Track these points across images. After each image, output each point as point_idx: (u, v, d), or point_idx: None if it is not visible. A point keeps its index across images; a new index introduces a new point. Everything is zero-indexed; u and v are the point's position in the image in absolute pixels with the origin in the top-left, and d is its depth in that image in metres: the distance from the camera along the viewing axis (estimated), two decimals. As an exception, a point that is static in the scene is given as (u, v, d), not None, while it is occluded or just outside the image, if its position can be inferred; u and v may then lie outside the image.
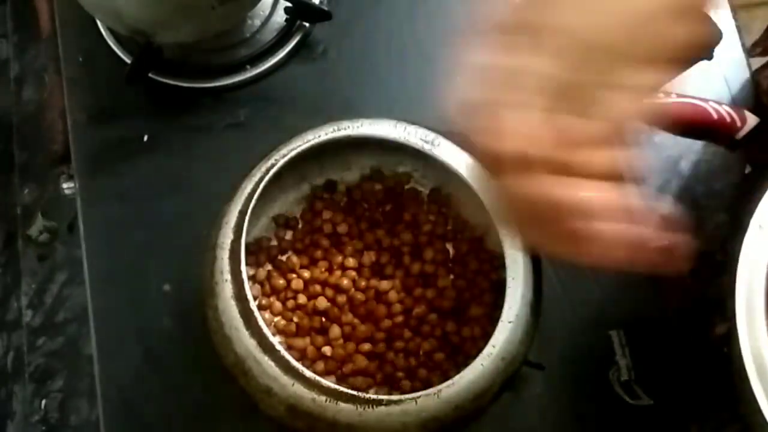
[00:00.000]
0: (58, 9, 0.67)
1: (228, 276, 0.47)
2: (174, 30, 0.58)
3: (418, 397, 0.44)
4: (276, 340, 0.45)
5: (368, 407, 0.44)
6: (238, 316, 0.46)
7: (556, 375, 0.55)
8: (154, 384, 0.55)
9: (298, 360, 0.45)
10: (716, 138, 0.68)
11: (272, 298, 0.52)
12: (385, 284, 0.52)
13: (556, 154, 0.30)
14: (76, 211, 0.60)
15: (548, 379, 0.55)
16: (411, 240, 0.54)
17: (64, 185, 0.75)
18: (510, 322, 0.46)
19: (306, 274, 0.53)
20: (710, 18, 0.42)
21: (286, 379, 0.44)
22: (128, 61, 0.62)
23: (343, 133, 0.51)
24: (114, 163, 0.61)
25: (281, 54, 0.64)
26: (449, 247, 0.54)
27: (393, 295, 0.52)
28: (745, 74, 0.70)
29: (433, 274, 0.53)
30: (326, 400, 0.44)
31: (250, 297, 0.45)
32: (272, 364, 0.44)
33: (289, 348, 0.50)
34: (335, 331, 0.51)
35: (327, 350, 0.50)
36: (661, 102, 0.67)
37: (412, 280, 0.53)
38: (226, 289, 0.46)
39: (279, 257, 0.53)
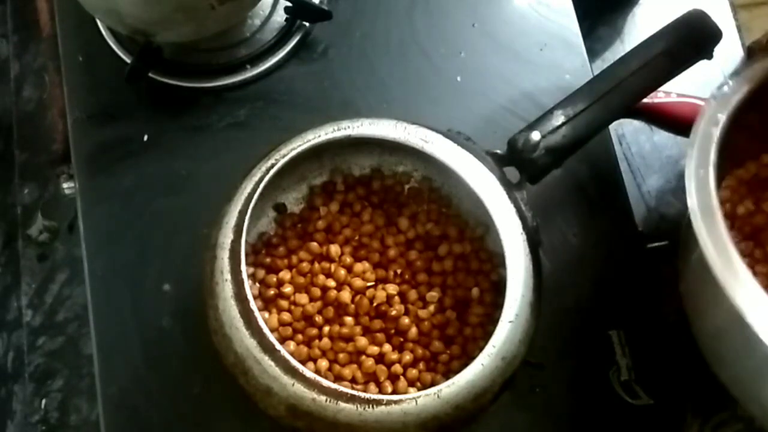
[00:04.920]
0: (58, 9, 0.67)
1: (228, 276, 0.47)
2: (174, 29, 0.58)
3: (418, 397, 0.44)
4: (276, 340, 0.45)
5: (368, 407, 0.44)
6: (238, 316, 0.46)
7: (556, 375, 0.55)
8: (154, 384, 0.55)
9: (298, 360, 0.45)
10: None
11: (272, 298, 0.52)
12: (385, 284, 0.52)
13: None
14: (76, 211, 0.60)
15: (548, 379, 0.55)
16: (411, 240, 0.54)
17: (64, 185, 0.75)
18: (510, 322, 0.46)
19: (306, 273, 0.53)
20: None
21: (286, 379, 0.44)
22: (128, 61, 0.63)
23: (343, 133, 0.51)
24: (114, 163, 0.61)
25: (281, 54, 0.64)
26: (449, 246, 0.54)
27: (393, 295, 0.52)
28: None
29: (433, 274, 0.53)
30: (326, 400, 0.44)
31: (250, 297, 0.45)
32: (272, 364, 0.44)
33: (289, 348, 0.50)
34: (335, 330, 0.51)
35: (327, 350, 0.50)
36: (661, 102, 0.67)
37: (412, 280, 0.53)
38: (226, 289, 0.46)
39: (279, 257, 0.53)
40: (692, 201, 0.44)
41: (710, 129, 0.46)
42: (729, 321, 0.42)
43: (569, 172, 0.60)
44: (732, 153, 0.48)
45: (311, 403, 0.44)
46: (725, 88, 0.48)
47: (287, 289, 0.52)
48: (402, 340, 0.51)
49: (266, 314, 0.51)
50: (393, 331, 0.51)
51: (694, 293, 0.48)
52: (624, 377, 0.54)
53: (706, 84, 0.69)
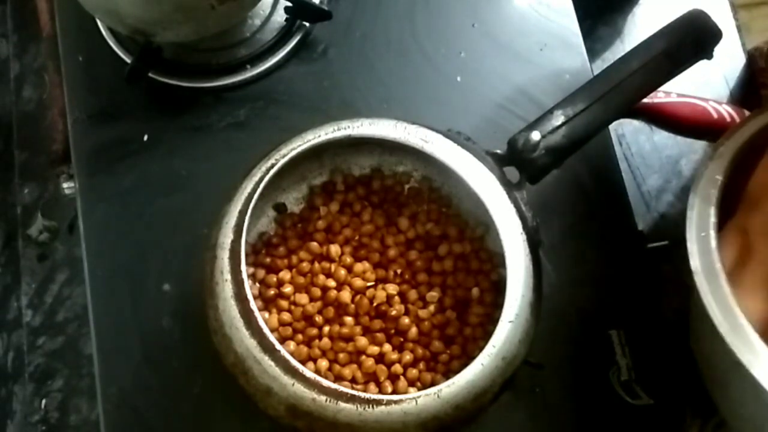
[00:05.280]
0: (58, 9, 0.67)
1: (228, 276, 0.47)
2: (174, 29, 0.58)
3: (418, 397, 0.44)
4: (276, 340, 0.45)
5: (368, 407, 0.44)
6: (238, 316, 0.46)
7: (556, 375, 0.55)
8: (154, 384, 0.56)
9: (298, 360, 0.45)
10: (716, 138, 0.68)
11: (272, 298, 0.52)
12: (385, 284, 0.52)
13: None
14: (76, 211, 0.60)
15: (548, 379, 0.55)
16: (411, 240, 0.54)
17: (64, 185, 0.75)
18: (510, 322, 0.46)
19: (306, 273, 0.53)
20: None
21: (286, 379, 0.44)
22: (128, 61, 0.63)
23: (343, 133, 0.51)
24: (114, 163, 0.61)
25: (281, 54, 0.64)
26: (449, 246, 0.54)
27: (393, 295, 0.52)
28: (745, 74, 0.70)
29: (433, 274, 0.53)
30: (326, 400, 0.44)
31: (250, 297, 0.45)
32: (272, 363, 0.44)
33: (289, 348, 0.50)
34: (335, 330, 0.51)
35: (327, 350, 0.50)
36: (661, 102, 0.67)
37: (412, 280, 0.53)
38: (226, 289, 0.46)
39: (279, 257, 0.53)
40: (695, 263, 0.45)
41: (709, 191, 0.47)
42: (738, 379, 0.42)
43: (569, 172, 0.60)
44: (731, 197, 0.49)
45: (311, 403, 0.44)
46: (721, 148, 0.49)
47: (287, 289, 0.52)
48: (402, 340, 0.51)
49: (266, 314, 0.51)
50: (393, 331, 0.51)
51: (704, 350, 0.48)
52: (624, 377, 0.54)
53: (706, 84, 0.69)
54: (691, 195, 0.47)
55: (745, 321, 0.42)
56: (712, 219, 0.46)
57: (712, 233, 0.46)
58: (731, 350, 0.42)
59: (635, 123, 0.69)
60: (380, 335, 0.51)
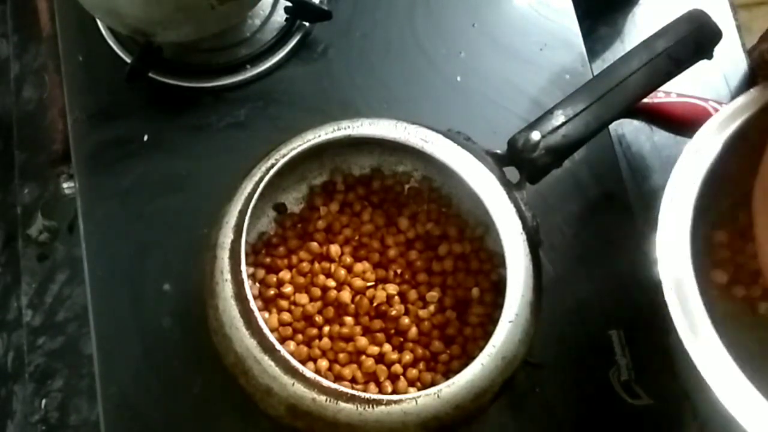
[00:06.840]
0: (58, 9, 0.67)
1: (228, 276, 0.47)
2: (174, 29, 0.58)
3: (418, 397, 0.44)
4: (276, 340, 0.45)
5: (368, 407, 0.44)
6: (238, 316, 0.46)
7: (556, 375, 0.55)
8: (154, 384, 0.55)
9: (298, 360, 0.45)
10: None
11: (272, 298, 0.52)
12: (385, 284, 0.52)
13: None
14: (76, 211, 0.60)
15: (548, 379, 0.55)
16: (411, 240, 0.54)
17: (64, 185, 0.75)
18: (510, 322, 0.46)
19: (306, 273, 0.53)
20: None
21: (286, 379, 0.44)
22: (128, 61, 0.63)
23: (343, 133, 0.51)
24: (114, 163, 0.61)
25: (281, 54, 0.64)
26: (449, 246, 0.54)
27: (393, 295, 0.52)
28: (745, 74, 0.70)
29: (433, 274, 0.53)
30: (326, 400, 0.44)
31: (250, 297, 0.45)
32: (272, 363, 0.44)
33: (289, 348, 0.50)
34: (335, 330, 0.51)
35: (327, 350, 0.50)
36: (661, 102, 0.67)
37: (412, 280, 0.53)
38: (226, 289, 0.46)
39: (279, 257, 0.53)
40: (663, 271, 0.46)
41: (683, 191, 0.48)
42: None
43: (569, 172, 0.60)
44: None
45: (311, 403, 0.44)
46: (697, 142, 0.50)
47: (287, 289, 0.52)
48: (402, 340, 0.51)
49: (266, 314, 0.51)
50: (393, 331, 0.51)
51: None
52: (624, 377, 0.54)
53: (706, 84, 0.69)
54: (665, 194, 0.48)
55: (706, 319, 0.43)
56: (688, 219, 0.47)
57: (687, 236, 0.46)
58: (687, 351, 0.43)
59: (635, 123, 0.69)
60: (380, 335, 0.51)
